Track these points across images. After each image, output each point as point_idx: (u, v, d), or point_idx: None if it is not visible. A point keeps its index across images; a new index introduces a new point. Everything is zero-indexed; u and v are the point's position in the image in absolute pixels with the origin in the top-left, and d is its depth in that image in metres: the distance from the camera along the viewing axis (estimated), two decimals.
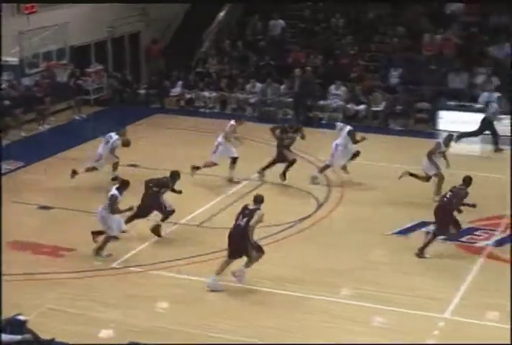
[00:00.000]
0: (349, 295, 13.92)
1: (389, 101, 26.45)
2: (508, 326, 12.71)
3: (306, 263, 14.85)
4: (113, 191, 15.09)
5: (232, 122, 19.68)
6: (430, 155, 18.42)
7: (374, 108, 26.35)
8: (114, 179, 18.57)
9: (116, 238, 15.21)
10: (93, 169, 19.07)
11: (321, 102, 26.90)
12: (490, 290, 14.01)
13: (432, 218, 17.04)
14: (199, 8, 30.55)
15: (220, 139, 19.33)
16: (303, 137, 19.33)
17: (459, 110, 25.91)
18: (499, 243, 16.14)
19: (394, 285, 14.07)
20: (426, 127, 25.53)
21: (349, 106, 26.61)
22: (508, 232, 16.62)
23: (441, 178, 18.27)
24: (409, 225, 16.91)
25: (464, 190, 15.57)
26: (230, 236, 13.97)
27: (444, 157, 18.59)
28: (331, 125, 24.95)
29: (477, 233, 16.54)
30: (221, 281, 13.89)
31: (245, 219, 13.77)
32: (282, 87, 27.48)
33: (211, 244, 15.62)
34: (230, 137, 19.33)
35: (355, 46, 28.82)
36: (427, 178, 18.51)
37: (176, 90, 28.09)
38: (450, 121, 25.59)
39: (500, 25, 28.70)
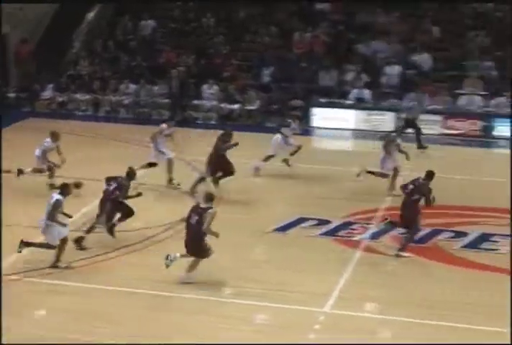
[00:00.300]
0: (235, 294, 13.92)
1: (263, 100, 26.73)
2: (387, 317, 13.08)
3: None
4: (57, 196, 14.45)
5: (163, 125, 19.53)
6: (387, 149, 18.95)
7: (248, 107, 26.56)
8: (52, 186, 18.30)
9: (53, 247, 14.58)
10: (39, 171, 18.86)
11: (195, 102, 26.95)
12: (368, 282, 14.33)
13: (309, 214, 17.37)
14: (68, 8, 30.04)
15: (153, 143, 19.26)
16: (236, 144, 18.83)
17: (331, 106, 26.45)
18: (374, 236, 16.53)
19: (276, 282, 14.19)
20: (300, 124, 25.86)
21: (223, 105, 26.76)
22: (381, 224, 17.06)
23: (396, 172, 18.77)
24: (288, 221, 17.15)
25: (426, 185, 15.65)
26: (187, 235, 13.95)
27: (400, 150, 19.20)
28: (205, 125, 25.07)
29: (353, 227, 16.91)
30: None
31: (196, 217, 13.73)
32: (156, 88, 27.36)
33: (87, 249, 15.44)
34: (157, 138, 19.16)
35: (227, 45, 28.98)
36: (384, 175, 18.87)
37: (47, 93, 27.60)
38: (323, 117, 26.12)
39: (365, 23, 29.44)
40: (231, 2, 30.20)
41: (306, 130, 25.44)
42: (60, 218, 14.50)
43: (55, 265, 14.59)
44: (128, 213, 15.77)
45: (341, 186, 18.63)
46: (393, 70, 27.49)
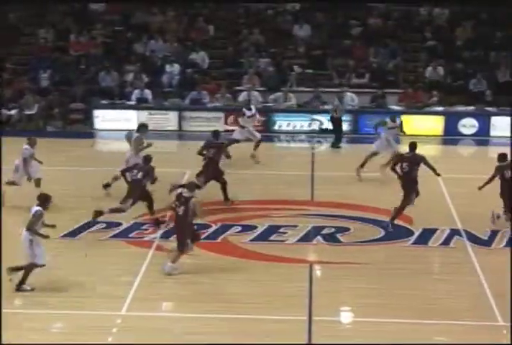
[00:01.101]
0: (30, 304, 13.49)
1: (42, 104, 26.10)
2: (185, 314, 13.20)
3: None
4: (37, 207, 13.65)
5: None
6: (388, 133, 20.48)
7: (27, 112, 25.85)
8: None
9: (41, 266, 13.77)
10: (13, 183, 17.82)
11: None
12: (162, 281, 14.35)
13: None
14: None
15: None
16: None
17: (113, 108, 26.27)
18: (165, 235, 16.57)
19: (71, 288, 13.92)
20: (82, 127, 25.55)
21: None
22: (171, 224, 17.14)
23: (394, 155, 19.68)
24: (76, 226, 16.87)
25: (416, 154, 16.84)
26: (174, 224, 14.70)
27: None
28: None
29: (144, 227, 16.90)
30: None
31: (182, 207, 14.17)
32: None
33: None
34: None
35: (0, 49, 28.04)
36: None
37: None
38: (106, 119, 25.91)
39: (142, 23, 29.48)
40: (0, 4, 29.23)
41: (90, 133, 25.11)
42: (42, 231, 13.77)
43: (19, 287, 13.75)
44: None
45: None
46: (173, 69, 27.70)
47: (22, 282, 13.82)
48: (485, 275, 14.58)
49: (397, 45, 28.89)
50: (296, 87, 27.48)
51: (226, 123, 26.12)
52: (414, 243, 16.41)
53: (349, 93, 26.66)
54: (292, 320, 12.87)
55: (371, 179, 20.00)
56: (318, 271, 15.06)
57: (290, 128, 26.25)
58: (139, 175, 16.65)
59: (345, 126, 25.82)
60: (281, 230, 16.86)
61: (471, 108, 26.59)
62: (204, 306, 13.33)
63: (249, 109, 22.24)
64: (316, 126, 26.04)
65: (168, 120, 25.94)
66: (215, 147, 18.44)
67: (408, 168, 16.79)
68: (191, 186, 14.60)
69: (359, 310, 13.46)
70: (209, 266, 15.09)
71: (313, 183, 19.64)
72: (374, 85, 27.56)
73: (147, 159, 16.90)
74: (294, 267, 15.10)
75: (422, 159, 16.86)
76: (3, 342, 11.82)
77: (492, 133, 25.95)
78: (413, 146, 17.03)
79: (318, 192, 18.95)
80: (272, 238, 16.55)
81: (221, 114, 26.26)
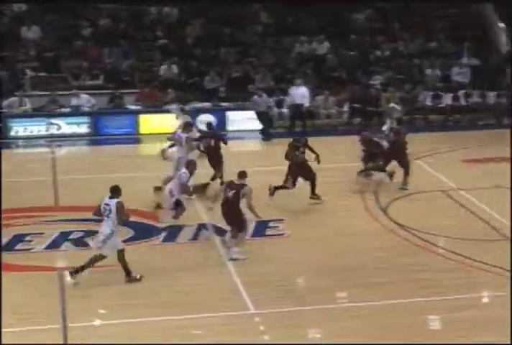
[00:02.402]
0: None
1: None
2: None
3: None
4: (113, 200, 14.01)
5: None
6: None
7: None
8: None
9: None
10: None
11: None
12: None
13: None
14: None
15: None
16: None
17: None
18: None
19: None
20: None
21: None
22: None
23: None
24: None
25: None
26: (223, 208, 15.27)
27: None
28: None
29: None
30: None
31: (233, 192, 14.93)
32: None
33: None
34: None
35: None
36: None
37: None
38: None
39: None
40: None
41: None
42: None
43: (130, 278, 14.24)
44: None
45: None
46: None
47: (128, 273, 14.25)
48: (234, 266, 15.02)
49: (130, 45, 29.00)
50: (31, 91, 26.85)
51: None
52: (164, 241, 16.57)
53: (83, 95, 26.44)
54: (47, 329, 12.56)
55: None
56: (68, 277, 14.74)
57: (27, 133, 25.58)
58: None
59: (83, 129, 25.64)
60: (27, 238, 16.39)
61: (207, 104, 27.26)
62: None
63: None
64: (54, 130, 25.57)
65: None
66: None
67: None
68: (241, 174, 15.18)
69: (114, 312, 13.35)
70: None
71: (56, 188, 19.24)
72: (110, 86, 27.48)
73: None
74: (44, 275, 14.72)
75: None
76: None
77: (229, 127, 26.75)
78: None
79: (62, 197, 18.60)
80: (17, 247, 16.06)
81: None
